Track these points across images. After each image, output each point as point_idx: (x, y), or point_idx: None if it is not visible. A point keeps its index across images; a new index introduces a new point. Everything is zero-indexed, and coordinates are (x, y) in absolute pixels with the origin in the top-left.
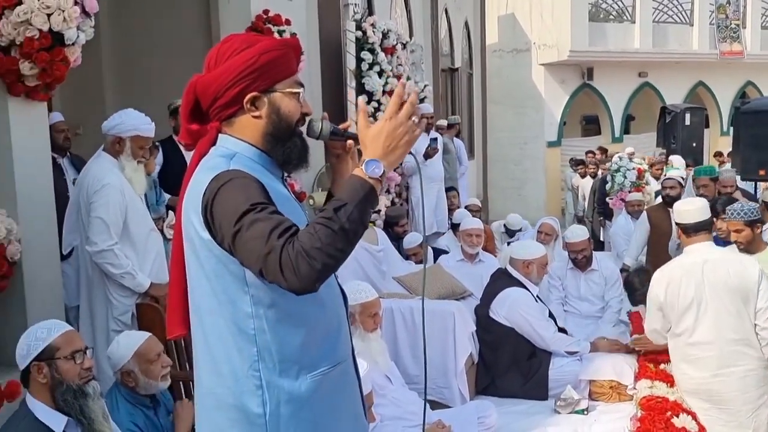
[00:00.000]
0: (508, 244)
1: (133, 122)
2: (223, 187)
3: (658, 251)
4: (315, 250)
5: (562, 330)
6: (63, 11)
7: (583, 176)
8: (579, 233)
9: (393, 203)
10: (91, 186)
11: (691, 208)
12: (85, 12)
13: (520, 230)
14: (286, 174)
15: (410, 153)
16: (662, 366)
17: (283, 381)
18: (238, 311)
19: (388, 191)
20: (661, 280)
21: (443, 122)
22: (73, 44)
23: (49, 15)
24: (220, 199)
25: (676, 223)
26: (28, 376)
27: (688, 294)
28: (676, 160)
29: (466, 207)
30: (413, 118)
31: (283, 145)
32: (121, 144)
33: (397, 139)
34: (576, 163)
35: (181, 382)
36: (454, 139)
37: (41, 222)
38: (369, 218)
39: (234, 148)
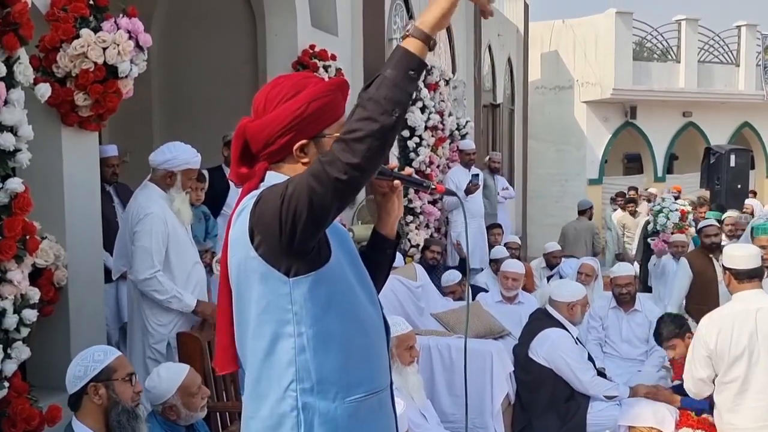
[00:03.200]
0: (548, 279)
1: (184, 156)
2: (262, 193)
3: (706, 298)
4: (353, 128)
5: (601, 373)
6: (118, 45)
7: (632, 214)
8: (625, 268)
9: (431, 237)
10: (135, 215)
11: (744, 254)
12: (138, 46)
13: (559, 263)
14: None
15: (454, 194)
16: (704, 414)
17: (319, 402)
18: (280, 330)
19: (427, 226)
20: (710, 327)
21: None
22: (126, 77)
23: (104, 49)
24: (262, 201)
25: (727, 268)
26: (80, 398)
27: (740, 343)
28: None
29: (505, 245)
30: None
31: None
32: (173, 178)
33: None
34: (627, 202)
35: (218, 414)
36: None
37: (88, 249)
38: (410, 82)
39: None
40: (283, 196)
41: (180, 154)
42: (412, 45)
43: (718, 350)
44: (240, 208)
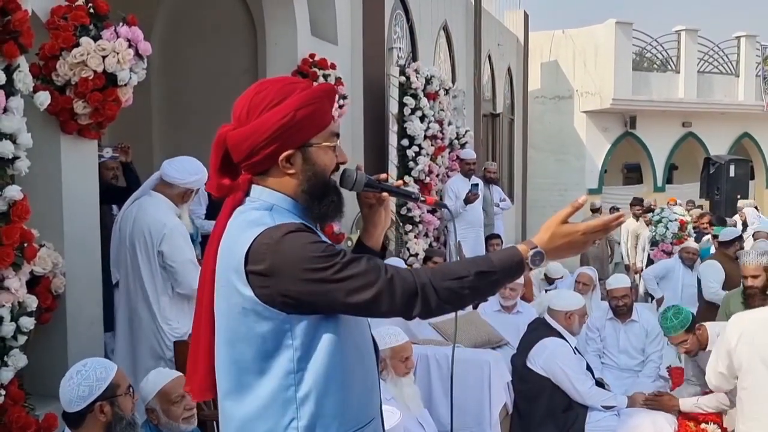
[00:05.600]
0: (546, 291)
1: (205, 177)
2: (282, 242)
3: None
4: (432, 287)
5: (599, 382)
6: (117, 53)
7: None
8: (621, 280)
9: (431, 246)
10: (154, 230)
11: None
12: (138, 54)
13: (561, 278)
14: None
15: (445, 206)
16: (703, 425)
17: None
18: (277, 368)
19: (426, 234)
20: (736, 326)
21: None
22: (125, 85)
23: (104, 57)
24: (284, 251)
25: None
26: (83, 417)
27: (760, 348)
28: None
29: None
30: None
31: (320, 202)
32: (188, 195)
33: (572, 249)
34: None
35: (214, 423)
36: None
37: (86, 257)
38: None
39: (270, 200)
40: (330, 272)
41: (203, 175)
42: (524, 251)
43: (737, 351)
44: (233, 236)
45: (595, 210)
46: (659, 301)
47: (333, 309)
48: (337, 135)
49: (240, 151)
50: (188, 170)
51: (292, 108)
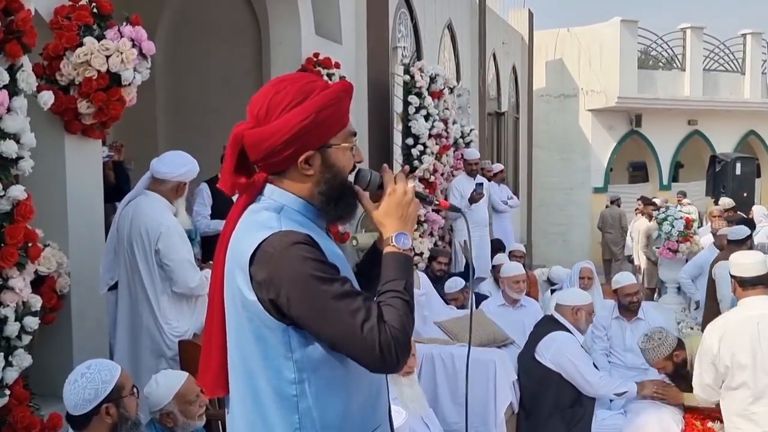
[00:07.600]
0: (552, 292)
1: (194, 167)
2: (285, 253)
3: None
4: (408, 328)
5: None
6: (121, 53)
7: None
8: (629, 277)
9: (435, 245)
10: (151, 228)
11: (750, 261)
12: (142, 54)
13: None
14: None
15: (459, 210)
16: (710, 424)
17: None
18: (279, 376)
19: (431, 234)
20: (713, 333)
21: (496, 166)
22: (129, 84)
23: (107, 57)
24: (285, 266)
25: (733, 276)
26: (89, 419)
27: (743, 349)
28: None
29: (510, 253)
30: (410, 184)
31: (336, 204)
32: (182, 188)
33: (405, 206)
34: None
35: (219, 422)
36: (501, 184)
37: (91, 257)
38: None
39: (281, 200)
40: (322, 305)
41: (192, 165)
42: (393, 248)
43: (721, 356)
44: (242, 234)
45: (614, 201)
46: (698, 304)
47: (311, 330)
48: (355, 134)
49: (258, 151)
50: (177, 163)
51: (314, 109)
